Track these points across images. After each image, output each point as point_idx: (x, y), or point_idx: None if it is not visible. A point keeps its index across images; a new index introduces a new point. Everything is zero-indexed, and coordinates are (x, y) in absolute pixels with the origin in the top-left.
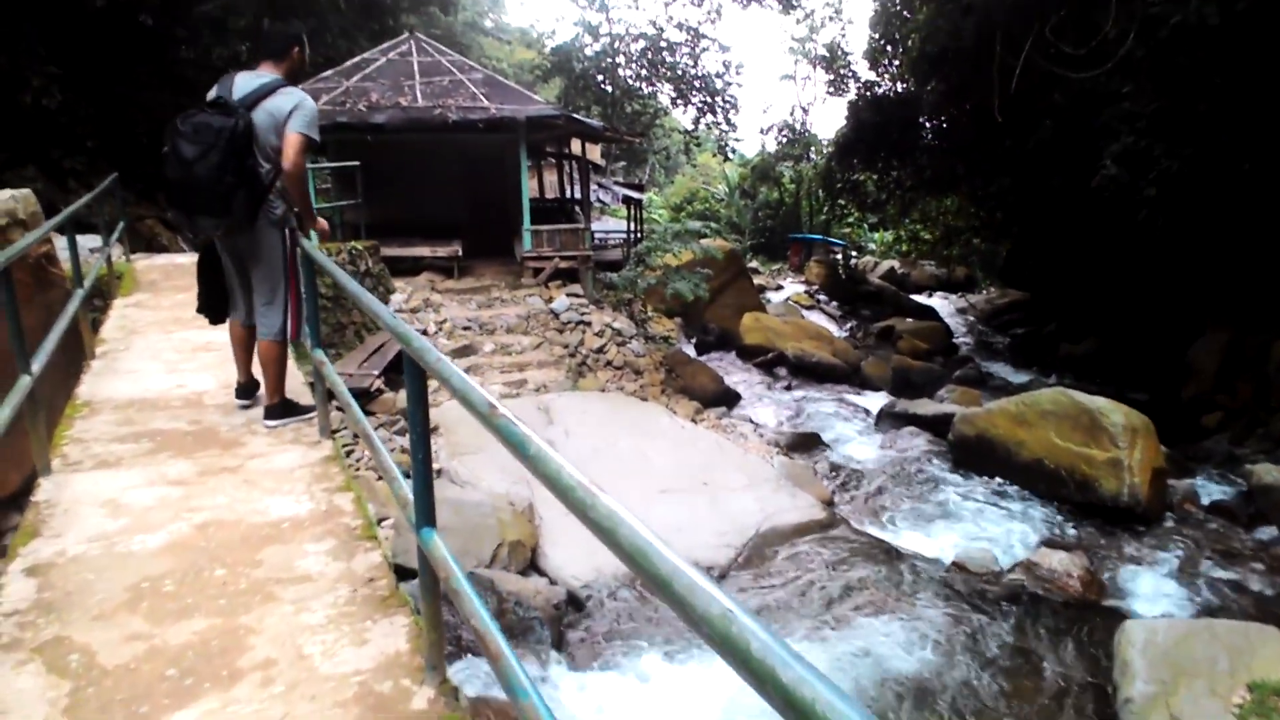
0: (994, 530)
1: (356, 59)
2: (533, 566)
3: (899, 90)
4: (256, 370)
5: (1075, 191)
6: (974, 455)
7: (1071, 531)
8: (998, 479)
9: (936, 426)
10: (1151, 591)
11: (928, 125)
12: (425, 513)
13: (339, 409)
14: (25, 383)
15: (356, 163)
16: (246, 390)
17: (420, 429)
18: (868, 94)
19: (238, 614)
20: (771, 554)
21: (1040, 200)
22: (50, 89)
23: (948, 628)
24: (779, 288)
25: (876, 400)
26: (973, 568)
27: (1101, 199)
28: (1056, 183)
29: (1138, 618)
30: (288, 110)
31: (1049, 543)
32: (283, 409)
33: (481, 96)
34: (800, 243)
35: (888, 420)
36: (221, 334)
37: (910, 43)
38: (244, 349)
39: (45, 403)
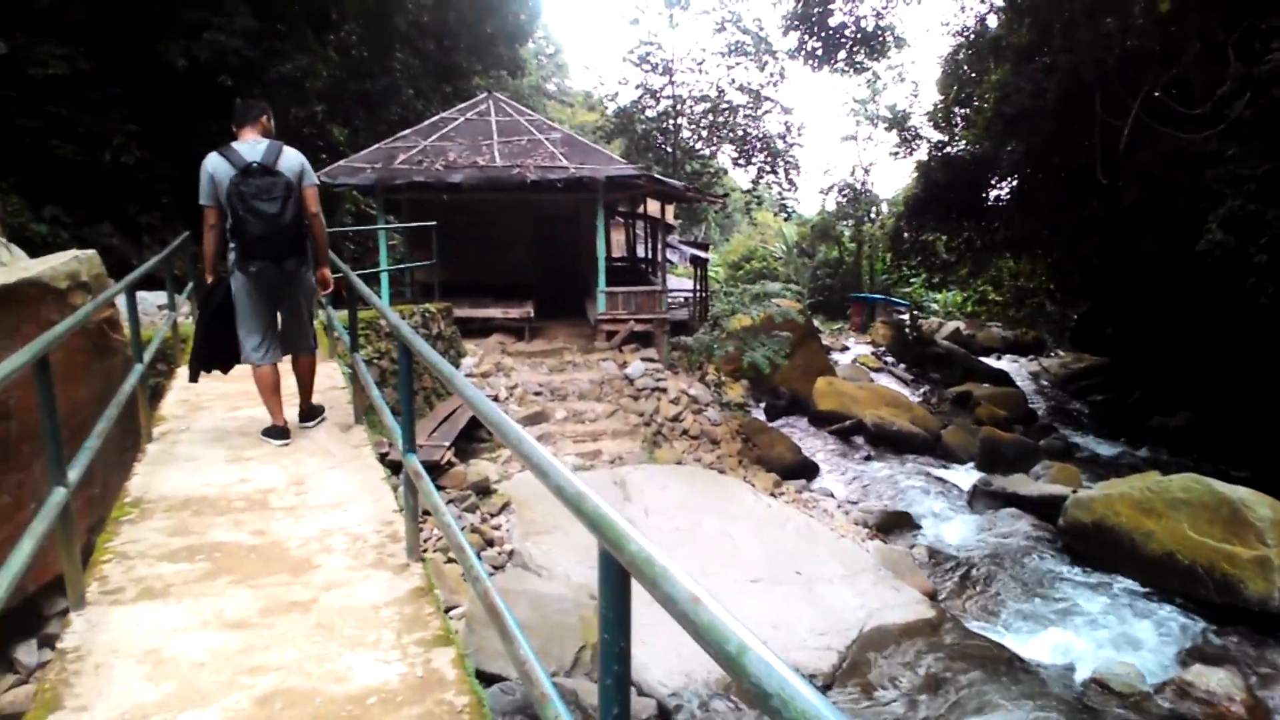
0: (1127, 636)
1: (434, 119)
2: None
3: (971, 150)
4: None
5: (1170, 255)
6: (1091, 545)
7: (1215, 640)
8: (1119, 574)
9: (1041, 509)
10: None
11: (1003, 186)
12: None
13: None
14: (59, 497)
15: (434, 223)
16: (282, 432)
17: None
18: (939, 154)
19: None
20: (877, 658)
21: (1128, 263)
22: (129, 146)
23: None
24: (844, 349)
25: (962, 474)
26: (1115, 685)
27: (1204, 264)
28: (1148, 246)
29: None
30: (299, 168)
31: (1197, 655)
32: (313, 412)
33: (560, 156)
34: (862, 302)
35: (983, 499)
36: (291, 414)
37: (984, 103)
38: (275, 392)
39: (81, 523)
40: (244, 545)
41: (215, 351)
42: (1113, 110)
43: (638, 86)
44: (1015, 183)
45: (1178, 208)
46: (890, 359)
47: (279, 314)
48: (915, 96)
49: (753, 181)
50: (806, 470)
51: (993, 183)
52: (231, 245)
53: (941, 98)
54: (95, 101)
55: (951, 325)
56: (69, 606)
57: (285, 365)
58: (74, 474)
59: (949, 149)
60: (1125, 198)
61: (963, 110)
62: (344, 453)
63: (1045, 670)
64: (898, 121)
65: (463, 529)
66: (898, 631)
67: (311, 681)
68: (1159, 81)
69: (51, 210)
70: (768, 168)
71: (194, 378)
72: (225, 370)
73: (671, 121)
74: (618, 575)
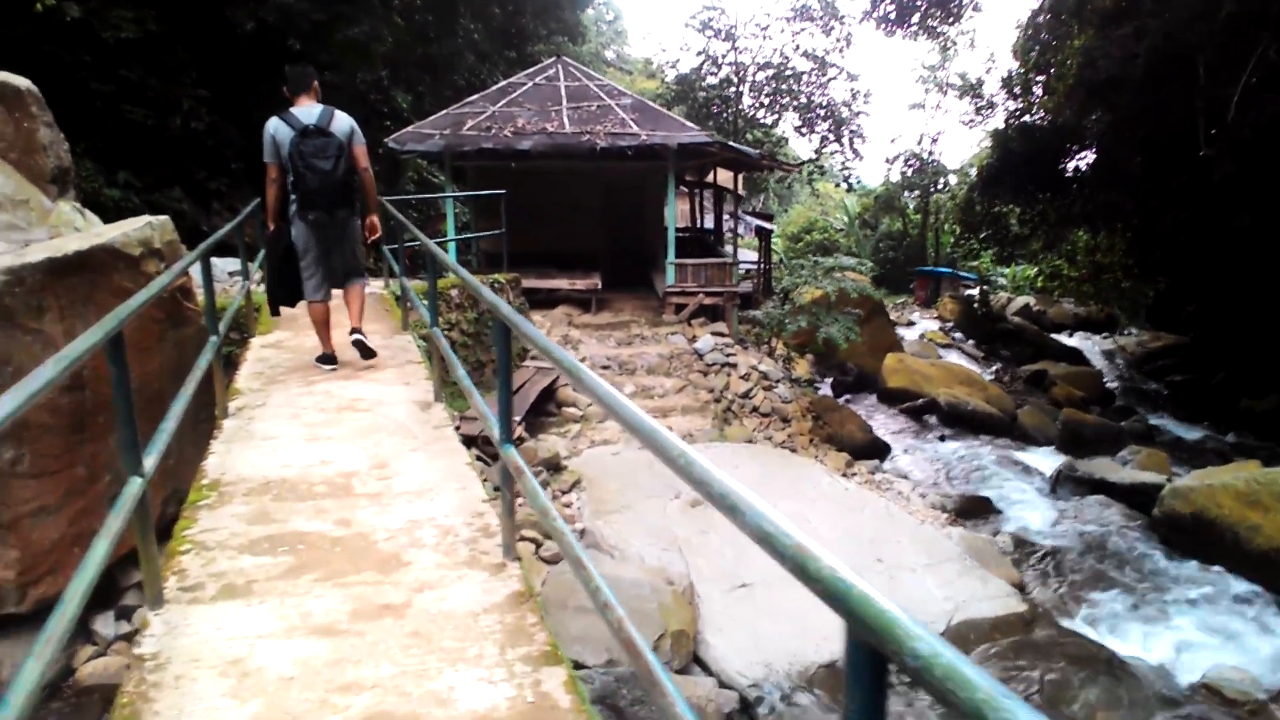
0: (1235, 638)
1: (503, 84)
2: (694, 658)
3: (1050, 120)
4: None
5: (1265, 232)
6: (1189, 538)
7: None
8: (1220, 567)
9: (1132, 498)
10: None
11: (1083, 157)
12: None
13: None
14: (135, 488)
15: (503, 191)
16: (331, 358)
17: None
18: (1016, 123)
19: None
20: (966, 654)
21: (1216, 239)
22: (199, 111)
23: None
24: (910, 324)
25: (1040, 457)
26: (1228, 692)
27: None
28: (1243, 222)
29: None
30: (348, 129)
31: None
32: (362, 333)
33: (631, 122)
34: (927, 276)
35: (1068, 484)
36: (369, 389)
37: (1065, 70)
38: (326, 325)
39: (155, 496)
40: (328, 537)
41: (286, 290)
42: (1213, 78)
43: (699, 53)
44: (1096, 154)
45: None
46: (959, 335)
47: (332, 256)
48: (993, 62)
49: (815, 151)
50: (878, 450)
51: (1072, 153)
52: (292, 198)
53: (1019, 64)
54: (165, 65)
55: (1021, 300)
56: (146, 604)
57: (336, 303)
58: (150, 462)
59: (1026, 118)
60: (1218, 171)
61: (1041, 77)
62: (425, 433)
63: (1148, 672)
64: (971, 89)
65: (521, 504)
66: (988, 626)
67: (411, 704)
68: (1271, 48)
69: (124, 175)
70: (831, 136)
71: (275, 312)
72: (293, 305)
73: (733, 89)
74: (868, 660)
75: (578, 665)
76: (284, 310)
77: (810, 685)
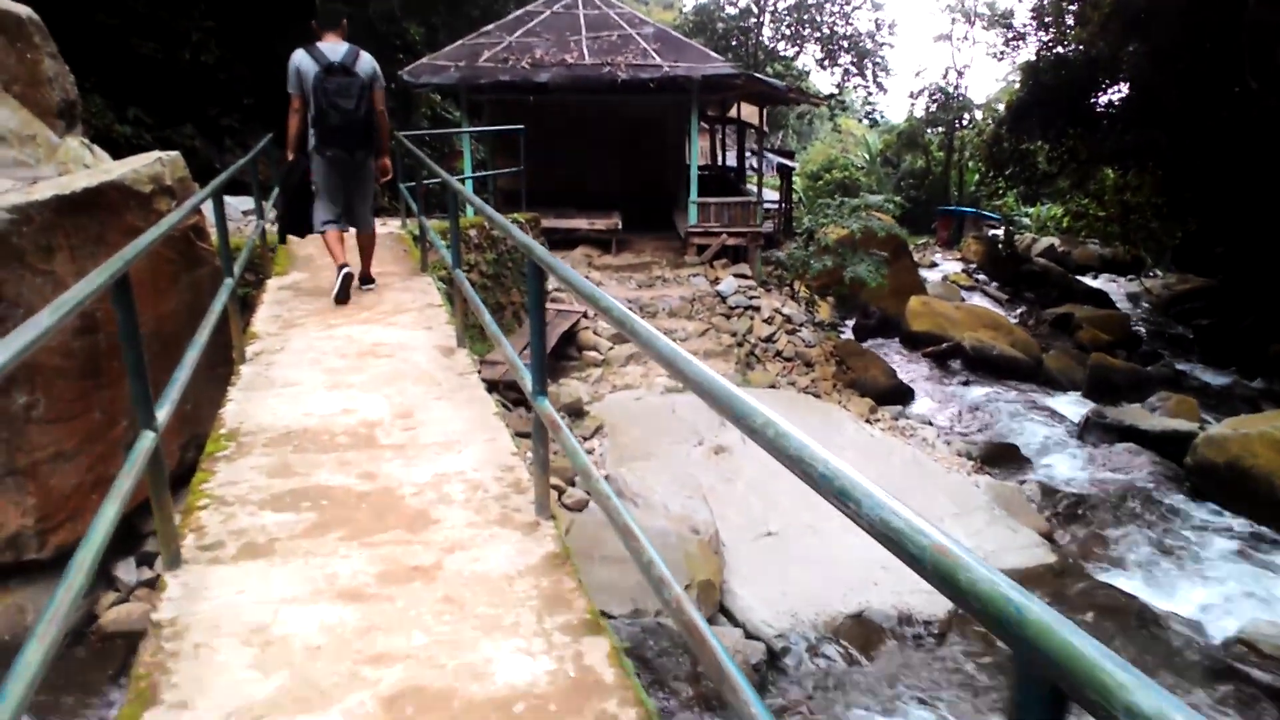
0: (1271, 591)
1: (519, 12)
2: (719, 608)
3: (1082, 51)
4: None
5: None
6: (1223, 488)
7: None
8: (1257, 520)
9: (1163, 446)
10: None
11: (1115, 91)
12: None
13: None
14: (147, 443)
15: (521, 126)
16: (347, 273)
17: None
18: (1049, 54)
19: None
20: None
21: (1254, 179)
22: (208, 44)
23: None
24: (933, 265)
25: (1067, 402)
26: (1265, 647)
27: None
28: None
29: None
30: (371, 70)
31: None
32: (371, 278)
33: (653, 53)
34: (950, 216)
35: (1096, 431)
36: (391, 333)
37: None
38: (340, 244)
39: (173, 441)
40: (353, 491)
41: (295, 221)
42: (1262, 3)
43: None
44: (1130, 88)
45: None
46: (982, 277)
47: (347, 193)
48: None
49: (837, 85)
50: (902, 395)
51: (1104, 87)
52: (312, 132)
53: None
54: None
55: (1045, 241)
56: (162, 564)
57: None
58: (163, 414)
59: (1059, 49)
60: (1262, 105)
61: (1074, 6)
62: (449, 380)
63: (1182, 625)
64: (1001, 19)
65: (555, 453)
66: (1018, 578)
67: (445, 677)
68: None
69: (134, 111)
70: (854, 69)
71: (283, 240)
72: (301, 236)
73: (753, 19)
74: (1047, 699)
75: (604, 615)
76: (300, 251)
77: (837, 636)
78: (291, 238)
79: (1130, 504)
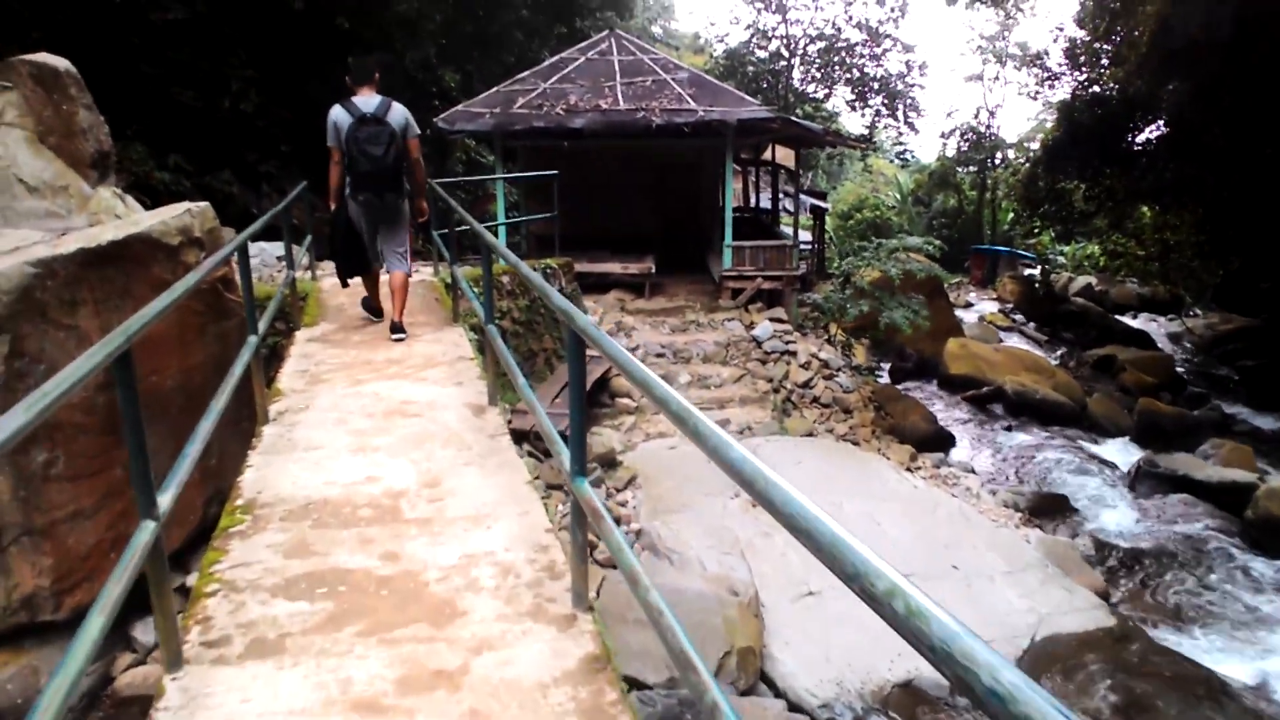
0: None
1: (554, 59)
2: (760, 675)
3: (1119, 90)
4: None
5: None
6: None
7: None
8: None
9: (1220, 497)
10: None
11: (1153, 129)
12: None
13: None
14: (147, 534)
15: (555, 172)
16: (376, 309)
17: None
18: (1085, 94)
19: None
20: (1052, 674)
21: None
22: (248, 92)
23: None
24: (968, 305)
25: (1115, 449)
26: None
27: None
28: None
29: None
30: (403, 120)
31: None
32: (402, 328)
33: (688, 97)
34: (984, 255)
35: (1148, 481)
36: (420, 389)
37: (1136, 36)
38: (376, 280)
39: (197, 499)
40: (373, 575)
41: (350, 262)
42: None
43: (748, 26)
44: (1168, 126)
45: None
46: (1019, 317)
47: (381, 236)
48: (1059, 29)
49: (868, 126)
50: (942, 442)
51: (1141, 126)
52: (347, 179)
53: (1084, 33)
54: (214, 46)
55: (1082, 280)
56: (163, 665)
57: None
58: (166, 499)
59: (1095, 88)
60: None
61: (1109, 47)
62: (480, 443)
63: (1251, 695)
64: (1035, 59)
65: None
66: (1075, 643)
67: None
68: None
69: (174, 159)
70: (885, 110)
71: (344, 284)
72: (359, 276)
73: (783, 63)
74: None
75: (638, 684)
76: (331, 301)
77: (885, 707)
78: (321, 286)
79: (1188, 559)
